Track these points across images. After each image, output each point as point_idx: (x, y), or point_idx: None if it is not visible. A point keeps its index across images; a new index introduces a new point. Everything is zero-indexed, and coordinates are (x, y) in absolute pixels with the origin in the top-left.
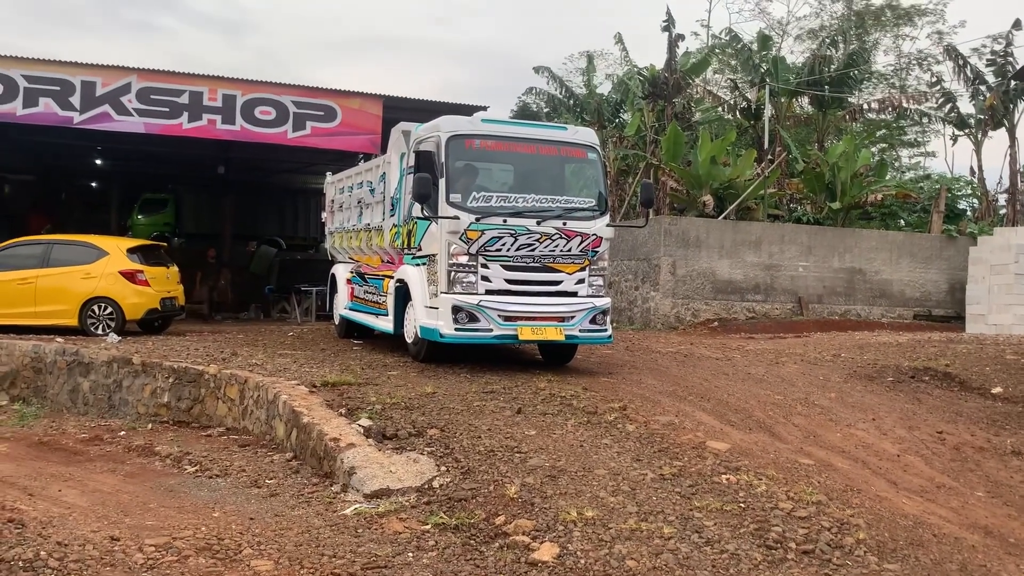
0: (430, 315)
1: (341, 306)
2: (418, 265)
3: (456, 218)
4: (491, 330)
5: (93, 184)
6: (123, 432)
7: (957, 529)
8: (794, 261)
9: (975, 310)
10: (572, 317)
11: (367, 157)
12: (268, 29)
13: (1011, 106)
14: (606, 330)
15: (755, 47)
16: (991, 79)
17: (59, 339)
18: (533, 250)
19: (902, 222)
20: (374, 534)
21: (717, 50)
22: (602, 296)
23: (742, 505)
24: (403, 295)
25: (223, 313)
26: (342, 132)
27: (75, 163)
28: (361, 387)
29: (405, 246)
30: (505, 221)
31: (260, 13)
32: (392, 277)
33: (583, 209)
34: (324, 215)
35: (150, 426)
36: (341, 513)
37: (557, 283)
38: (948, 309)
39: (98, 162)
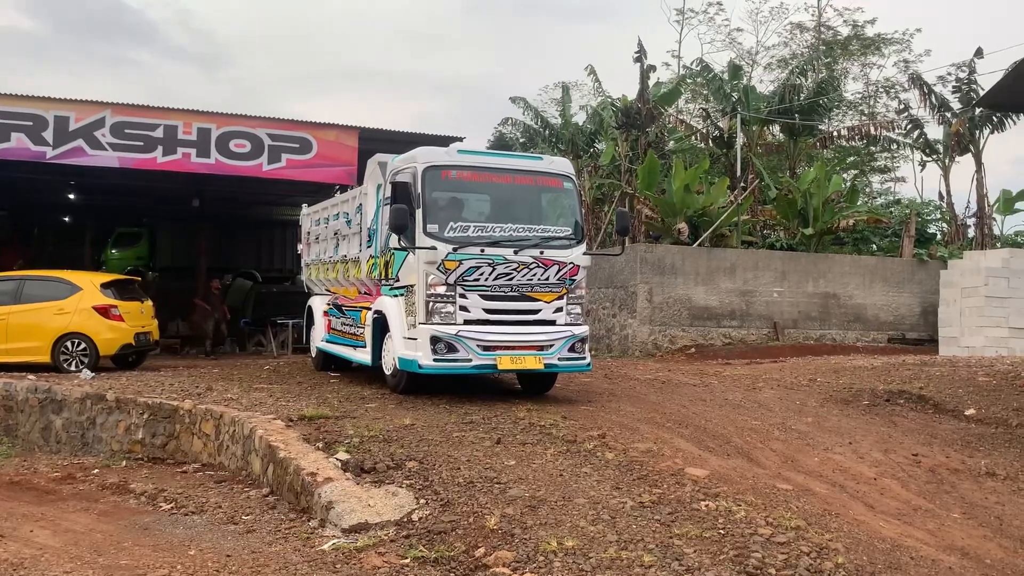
0: (409, 346)
1: (318, 339)
2: (396, 296)
3: (433, 248)
4: (470, 360)
5: (66, 219)
6: (97, 470)
7: (934, 551)
8: (769, 287)
9: (948, 332)
10: (551, 346)
11: (344, 189)
12: (244, 63)
13: (976, 132)
14: (585, 358)
15: (726, 76)
16: (956, 106)
17: (31, 376)
18: (511, 279)
19: (874, 247)
20: (352, 569)
21: (688, 80)
22: (580, 324)
23: (721, 531)
24: (381, 326)
25: (197, 347)
26: (318, 164)
27: (48, 198)
28: (338, 420)
29: (383, 277)
30: (483, 251)
31: (236, 47)
32: (370, 309)
33: (560, 238)
34: (300, 247)
35: (124, 463)
36: (319, 548)
37: (536, 312)
38: (921, 332)
39: (71, 196)
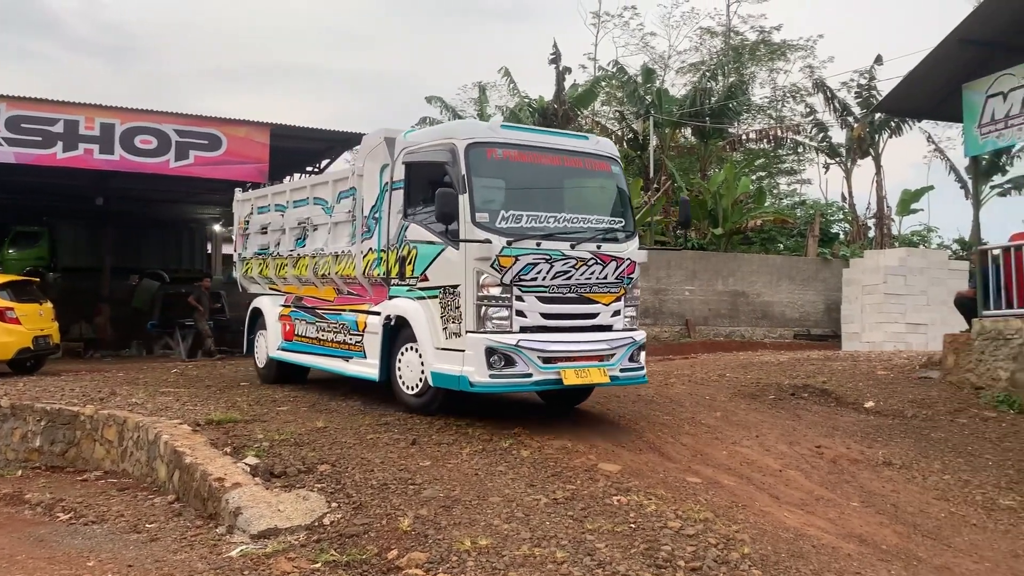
0: (448, 359)
1: (272, 346)
2: (420, 299)
3: (488, 242)
4: (530, 375)
5: None
6: None
7: (834, 539)
8: (681, 285)
9: (850, 328)
10: (613, 355)
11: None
12: (156, 56)
13: (876, 136)
14: (643, 368)
15: (640, 80)
16: (858, 110)
17: None
18: (569, 278)
19: (781, 246)
20: (261, 575)
21: (604, 82)
22: (637, 329)
23: (633, 526)
24: (393, 335)
25: (102, 351)
26: (228, 161)
27: None
28: (248, 424)
29: (394, 275)
30: (539, 244)
31: (148, 39)
32: (370, 313)
33: (615, 230)
34: (234, 238)
35: (20, 472)
36: (226, 555)
37: (594, 315)
38: (825, 328)
39: None
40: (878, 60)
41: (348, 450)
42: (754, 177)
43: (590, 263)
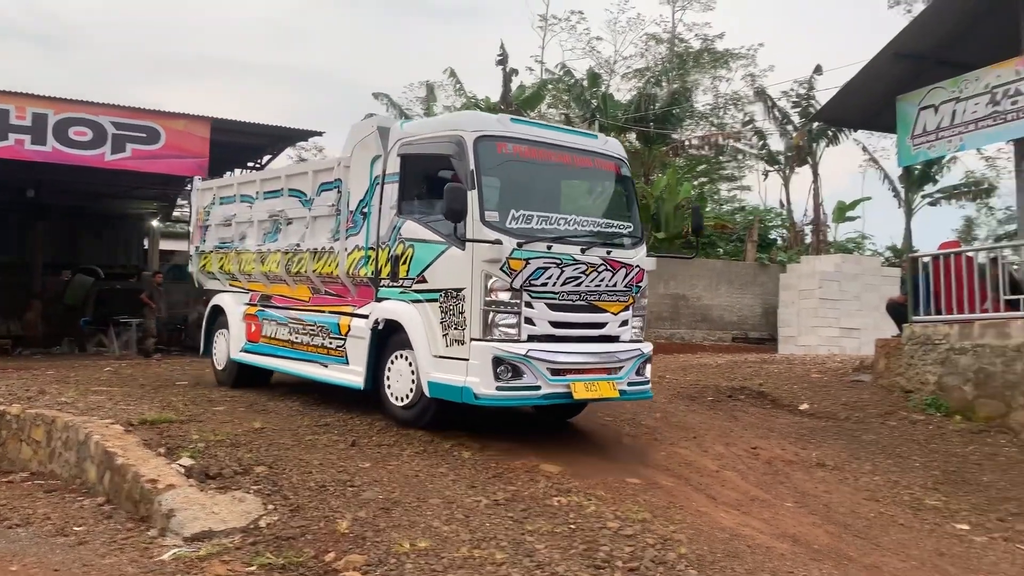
0: (449, 369)
1: (235, 347)
2: (416, 302)
3: (498, 243)
4: (539, 387)
5: None
6: None
7: (768, 539)
8: None
9: (786, 332)
10: (621, 368)
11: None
12: (95, 47)
13: (814, 145)
14: (648, 382)
15: (586, 84)
16: (797, 119)
17: None
18: (579, 284)
19: (720, 251)
20: None
21: (550, 85)
22: (644, 340)
23: (572, 527)
24: (382, 341)
25: (32, 348)
26: (166, 155)
27: None
28: (183, 424)
29: (385, 276)
30: (549, 248)
31: (87, 29)
32: (355, 315)
33: (624, 235)
34: (191, 230)
35: None
36: (158, 559)
37: (602, 325)
38: (763, 331)
39: None
40: (817, 70)
41: (286, 451)
42: (696, 183)
43: (600, 269)
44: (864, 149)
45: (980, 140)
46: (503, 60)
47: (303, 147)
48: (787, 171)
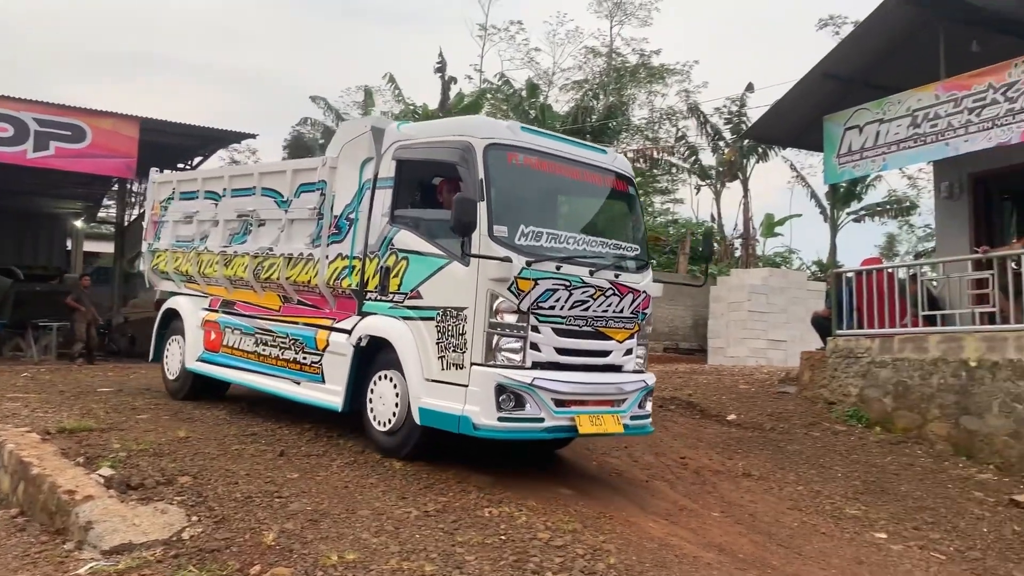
0: (444, 395)
1: (191, 356)
2: (408, 319)
3: (507, 260)
4: (542, 420)
5: None
6: None
7: (696, 549)
8: None
9: (716, 343)
10: (624, 400)
11: (124, 183)
12: (14, 40)
13: (745, 161)
14: (650, 416)
15: (525, 94)
16: (728, 136)
17: None
18: (586, 309)
19: (654, 263)
20: None
21: (489, 94)
22: (646, 371)
23: (503, 537)
24: (366, 359)
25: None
26: (92, 154)
27: None
28: (104, 433)
29: (372, 288)
30: (558, 268)
31: (10, 23)
32: (334, 329)
33: (631, 258)
34: (145, 225)
35: None
36: (74, 573)
37: (606, 353)
38: (693, 342)
39: None
40: (749, 88)
41: (211, 461)
42: None
43: (608, 294)
44: (792, 166)
45: (902, 161)
46: (442, 68)
47: (236, 149)
48: (718, 186)
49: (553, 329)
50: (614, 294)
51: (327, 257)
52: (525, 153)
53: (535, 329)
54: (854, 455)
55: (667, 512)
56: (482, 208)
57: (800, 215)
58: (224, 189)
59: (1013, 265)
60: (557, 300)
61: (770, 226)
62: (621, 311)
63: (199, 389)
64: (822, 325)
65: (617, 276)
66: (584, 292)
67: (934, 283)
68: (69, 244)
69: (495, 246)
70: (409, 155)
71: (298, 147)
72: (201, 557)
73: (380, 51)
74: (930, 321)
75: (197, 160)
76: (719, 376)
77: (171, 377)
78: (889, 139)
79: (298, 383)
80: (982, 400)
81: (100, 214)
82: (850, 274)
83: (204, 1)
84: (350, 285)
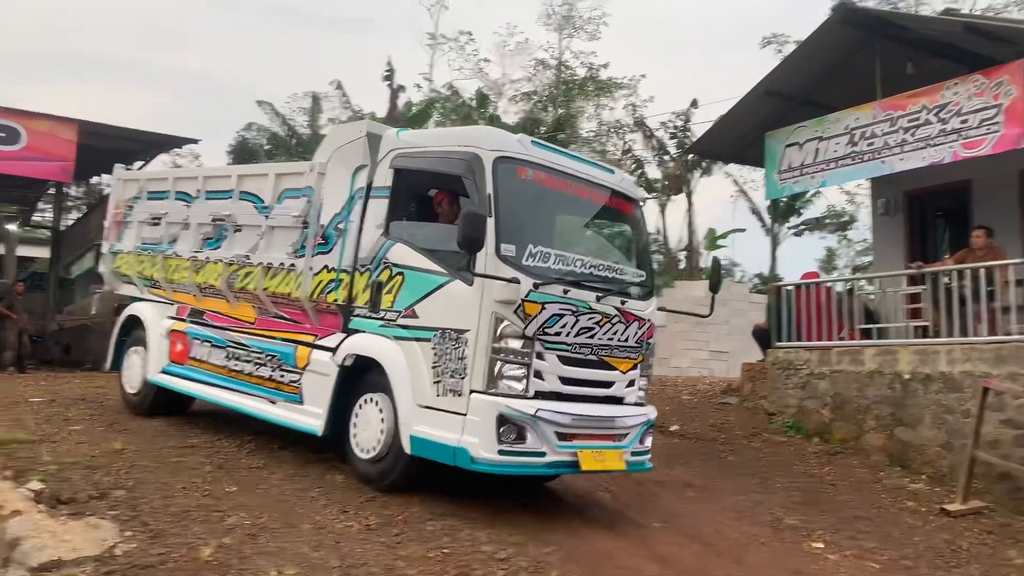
0: (439, 423)
1: (154, 367)
2: (401, 339)
3: (515, 281)
4: (544, 454)
5: None
6: None
7: (638, 560)
8: None
9: (659, 354)
10: (626, 434)
11: (61, 187)
12: None
13: (689, 175)
14: (649, 452)
15: (474, 104)
16: (673, 150)
17: None
18: (592, 336)
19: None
20: None
21: (438, 104)
22: (647, 404)
23: (446, 551)
24: (351, 381)
25: None
26: (27, 157)
27: None
28: (34, 445)
29: (361, 304)
30: (566, 292)
31: None
32: (316, 346)
33: (637, 284)
34: (107, 224)
35: None
36: None
37: (609, 384)
38: None
39: None
40: (693, 104)
41: (147, 474)
42: None
43: (614, 321)
44: (735, 181)
45: (840, 178)
46: (390, 76)
47: (179, 154)
48: (664, 198)
49: (558, 357)
50: (620, 322)
51: (311, 269)
52: (534, 168)
53: (539, 356)
54: (793, 465)
55: (609, 523)
56: (489, 225)
57: (744, 229)
58: (198, 191)
59: (945, 280)
60: (563, 326)
61: (713, 240)
62: (626, 340)
63: (162, 404)
64: (762, 337)
65: (624, 303)
66: (590, 319)
67: (871, 297)
68: (2, 249)
69: (502, 266)
70: (409, 164)
71: (243, 153)
72: (134, 574)
73: (328, 58)
74: (866, 334)
75: (138, 165)
76: (662, 387)
77: (130, 390)
78: (828, 156)
79: (273, 402)
80: (915, 412)
81: (35, 218)
82: (789, 287)
83: (145, 2)
84: (336, 300)
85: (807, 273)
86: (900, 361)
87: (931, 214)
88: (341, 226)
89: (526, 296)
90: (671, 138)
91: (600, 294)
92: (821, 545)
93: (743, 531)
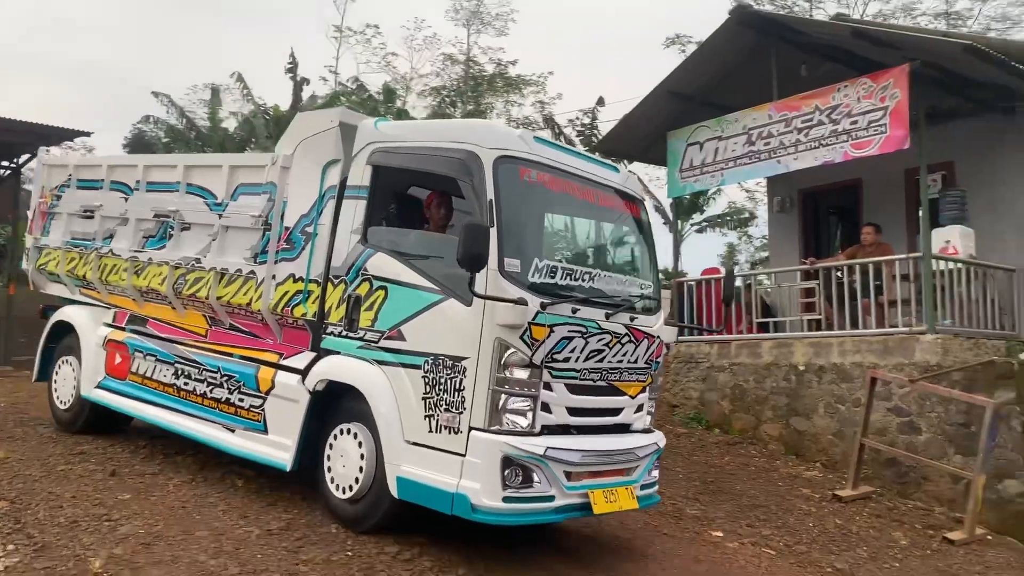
0: (432, 464)
1: (89, 381)
2: (383, 363)
3: (522, 302)
4: (552, 498)
5: None
6: None
7: (543, 556)
8: None
9: None
10: (636, 467)
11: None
12: None
13: None
14: (657, 483)
15: (381, 98)
16: (581, 147)
17: None
18: (601, 360)
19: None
20: None
21: (343, 97)
22: (654, 430)
23: (349, 553)
24: (323, 409)
25: None
26: None
27: None
28: None
29: (335, 320)
30: (575, 312)
31: None
32: (281, 367)
33: (646, 297)
34: (31, 214)
35: None
36: None
37: (618, 412)
38: None
39: None
40: (600, 102)
41: (33, 484)
42: None
43: (624, 341)
44: (639, 179)
45: (738, 176)
46: (293, 68)
47: (70, 147)
48: None
49: (566, 386)
50: (630, 341)
51: (274, 277)
52: (538, 169)
53: (547, 386)
54: (695, 456)
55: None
56: (491, 236)
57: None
58: (137, 181)
59: (837, 275)
60: (572, 350)
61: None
62: (635, 361)
63: (98, 421)
64: None
65: (632, 319)
66: (600, 340)
67: (768, 291)
68: None
69: (506, 284)
70: (391, 161)
71: (140, 146)
72: None
73: (228, 49)
74: (764, 328)
75: (24, 158)
76: None
77: (62, 406)
78: (727, 155)
79: (232, 430)
80: (809, 402)
81: None
82: (692, 283)
83: None
84: (305, 314)
85: (708, 269)
86: (795, 353)
87: (824, 211)
88: (309, 229)
89: (533, 319)
90: (578, 136)
91: (610, 311)
92: (720, 534)
93: (646, 522)
